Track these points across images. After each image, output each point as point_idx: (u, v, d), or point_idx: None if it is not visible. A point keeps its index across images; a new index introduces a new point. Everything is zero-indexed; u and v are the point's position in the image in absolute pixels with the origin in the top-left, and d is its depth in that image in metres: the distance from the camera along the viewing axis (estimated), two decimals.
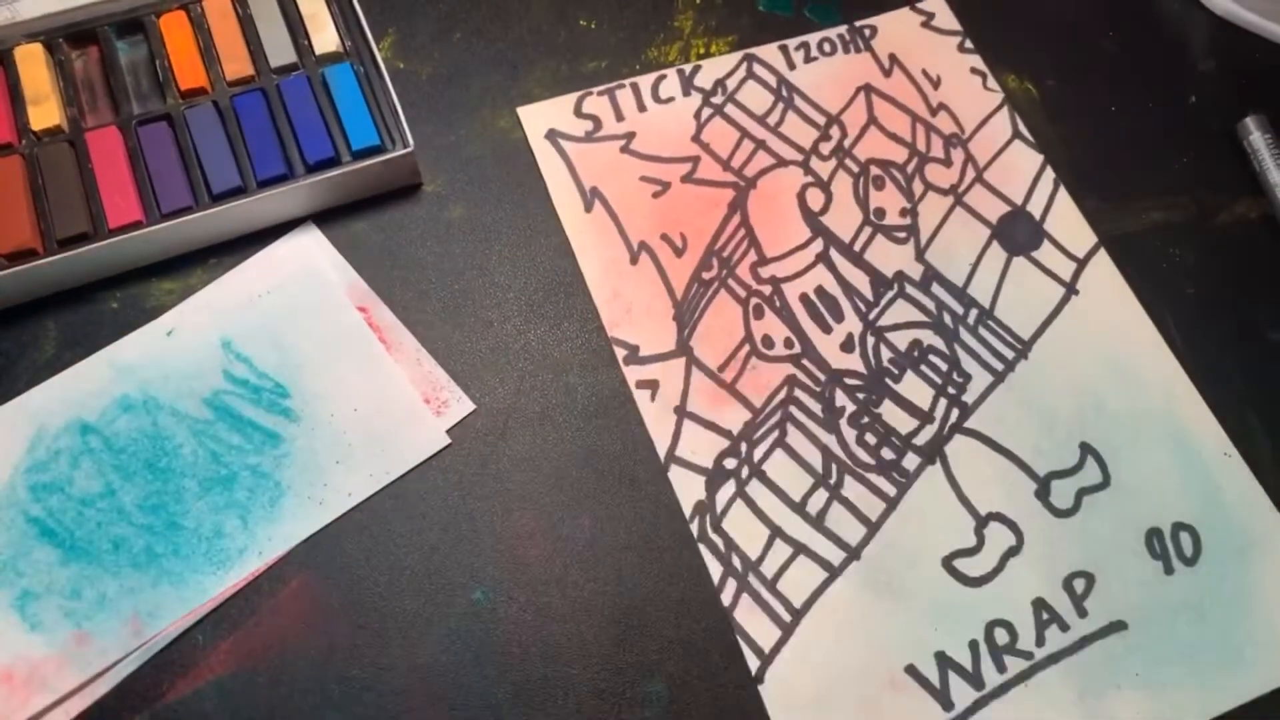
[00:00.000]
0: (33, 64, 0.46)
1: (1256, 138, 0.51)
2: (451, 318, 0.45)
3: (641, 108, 0.50)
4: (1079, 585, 0.41)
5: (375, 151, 0.45)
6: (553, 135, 0.49)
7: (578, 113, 0.50)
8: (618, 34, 0.52)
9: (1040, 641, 0.40)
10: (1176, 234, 0.49)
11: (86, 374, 0.42)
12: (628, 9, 0.53)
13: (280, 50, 0.47)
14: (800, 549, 0.41)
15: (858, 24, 0.54)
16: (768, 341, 0.45)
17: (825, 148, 0.50)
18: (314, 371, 0.43)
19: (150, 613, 0.38)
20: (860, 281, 0.47)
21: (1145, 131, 0.52)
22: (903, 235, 0.48)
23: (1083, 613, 0.41)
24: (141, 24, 0.47)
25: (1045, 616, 0.41)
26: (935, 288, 0.47)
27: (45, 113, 0.45)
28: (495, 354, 0.44)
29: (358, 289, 0.45)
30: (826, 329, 0.46)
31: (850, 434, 0.44)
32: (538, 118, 0.49)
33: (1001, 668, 0.40)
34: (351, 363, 0.43)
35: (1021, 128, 0.51)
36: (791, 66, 0.52)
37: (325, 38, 0.48)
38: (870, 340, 0.46)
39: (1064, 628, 0.41)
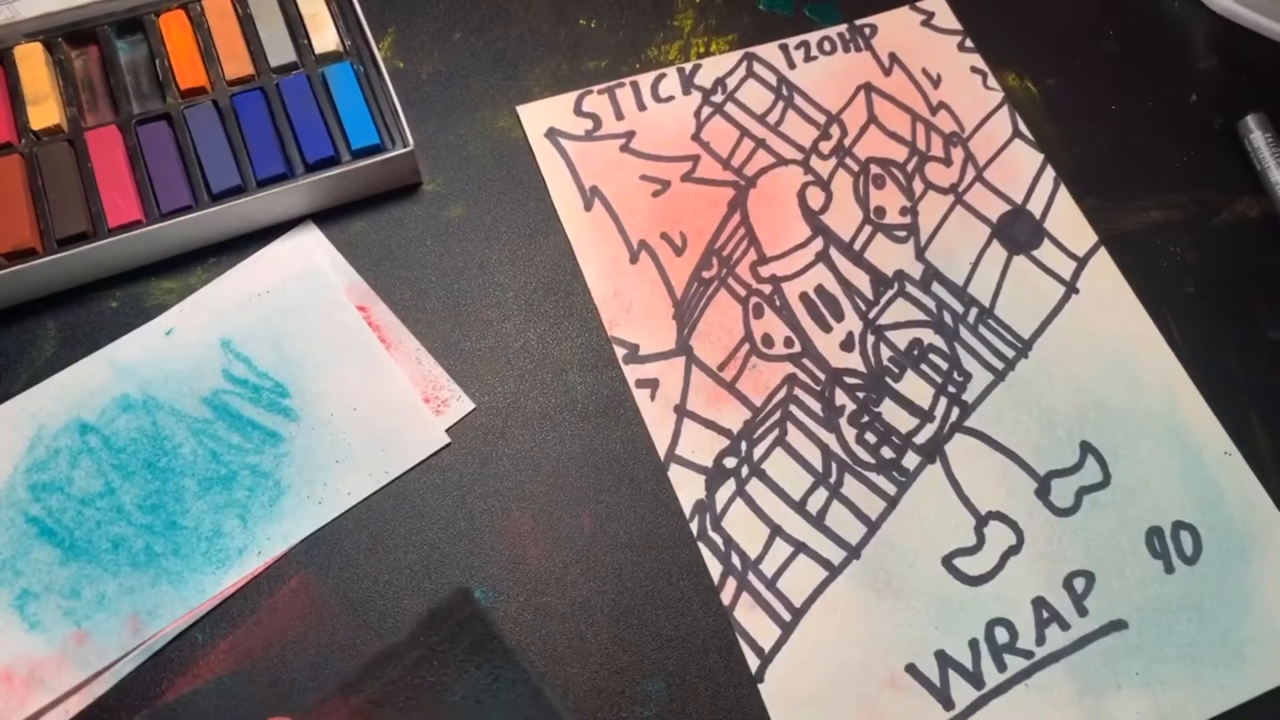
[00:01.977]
0: (32, 63, 0.46)
1: (1257, 136, 0.51)
2: (451, 317, 0.45)
3: (641, 106, 0.50)
4: (1079, 584, 0.41)
5: (375, 151, 0.45)
6: (552, 134, 0.49)
7: (577, 111, 0.50)
8: (617, 33, 0.52)
9: (1040, 640, 0.40)
10: (1177, 233, 0.49)
11: (86, 373, 0.42)
12: (628, 8, 0.53)
13: (280, 49, 0.47)
14: (800, 548, 0.41)
15: (858, 23, 0.54)
16: (767, 340, 0.45)
17: (825, 146, 0.50)
18: (313, 371, 0.43)
19: (149, 612, 0.38)
20: (860, 280, 0.47)
21: (1145, 130, 0.52)
22: (903, 234, 0.48)
23: (1083, 612, 0.41)
24: (141, 23, 0.48)
25: (1045, 615, 0.41)
26: (935, 286, 0.47)
27: (45, 112, 0.45)
28: (495, 353, 0.44)
29: (357, 288, 0.45)
30: (826, 328, 0.46)
31: (850, 433, 0.44)
32: (537, 116, 0.49)
33: (1002, 666, 0.40)
34: (351, 362, 0.43)
35: (1021, 126, 0.51)
36: (791, 65, 0.52)
37: (325, 37, 0.48)
38: (870, 339, 0.46)
39: (1064, 626, 0.41)
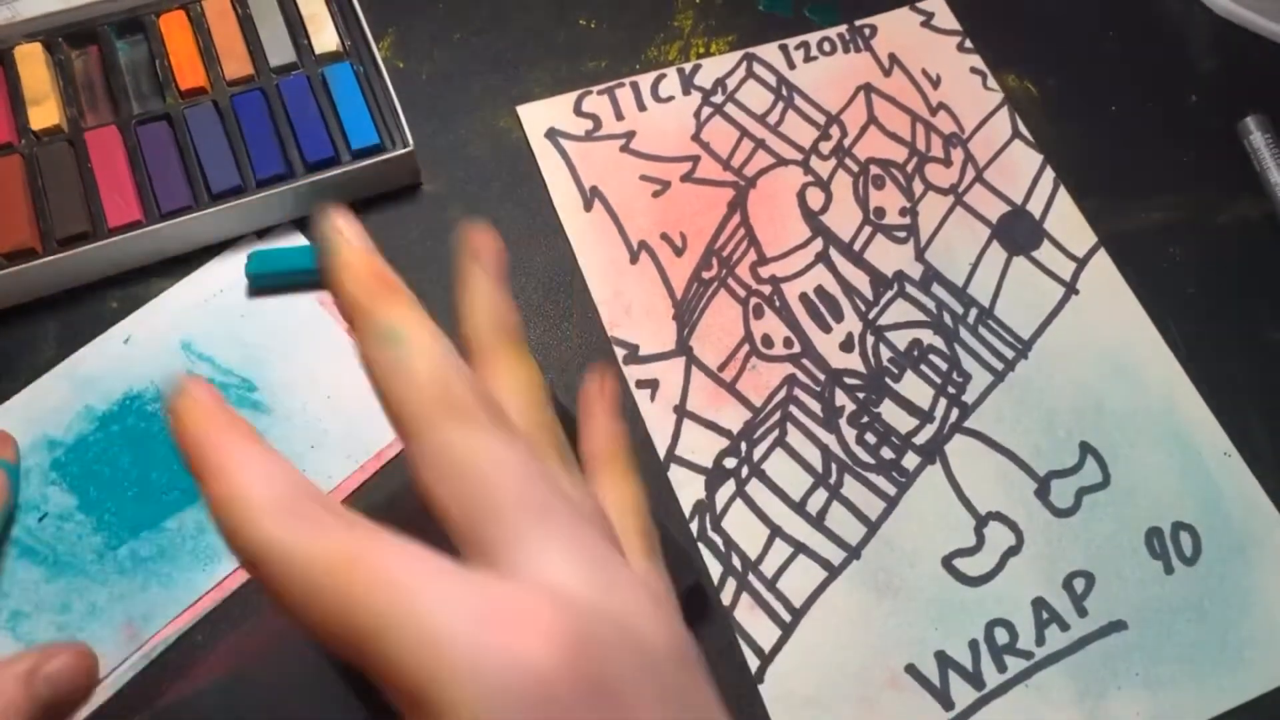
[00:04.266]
0: (32, 64, 0.46)
1: (1257, 137, 0.51)
2: (451, 318, 0.45)
3: (641, 107, 0.50)
4: (1079, 585, 0.41)
5: (375, 151, 0.45)
6: (552, 134, 0.49)
7: (577, 112, 0.50)
8: (617, 33, 0.52)
9: (1040, 641, 0.40)
10: (1177, 233, 0.49)
11: (47, 390, 0.41)
12: (627, 9, 0.53)
13: (280, 50, 0.47)
14: (800, 548, 0.41)
15: (857, 23, 0.54)
16: (767, 341, 0.45)
17: (825, 147, 0.50)
18: (279, 363, 0.43)
19: (144, 616, 0.38)
20: (860, 281, 0.47)
21: (1145, 131, 0.52)
22: (902, 235, 0.48)
23: (1083, 612, 0.41)
24: (141, 24, 0.47)
25: (1045, 616, 0.41)
26: (935, 287, 0.47)
27: (45, 112, 0.45)
28: None
29: None
30: (826, 328, 0.46)
31: (850, 433, 0.44)
32: (537, 117, 0.49)
33: (1002, 667, 0.40)
34: (316, 351, 0.43)
35: (1021, 127, 0.51)
36: (791, 66, 0.52)
37: (325, 37, 0.48)
38: (870, 340, 0.46)
39: (1064, 627, 0.41)
